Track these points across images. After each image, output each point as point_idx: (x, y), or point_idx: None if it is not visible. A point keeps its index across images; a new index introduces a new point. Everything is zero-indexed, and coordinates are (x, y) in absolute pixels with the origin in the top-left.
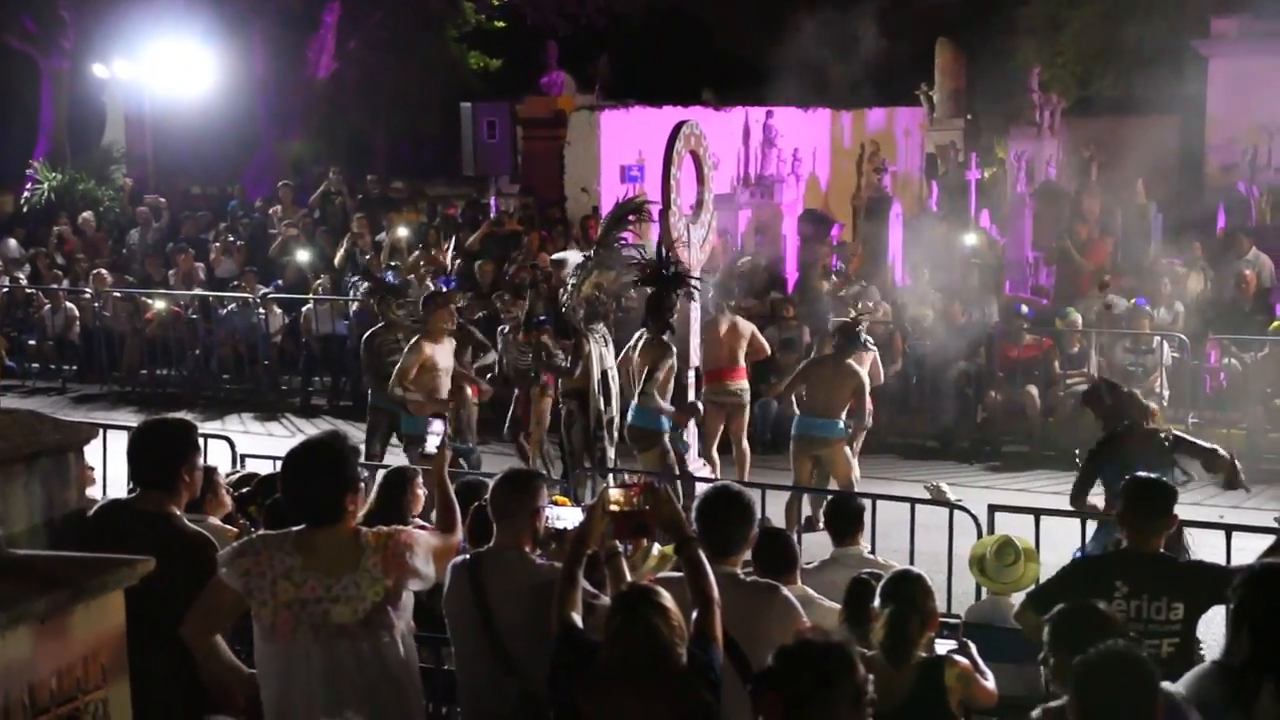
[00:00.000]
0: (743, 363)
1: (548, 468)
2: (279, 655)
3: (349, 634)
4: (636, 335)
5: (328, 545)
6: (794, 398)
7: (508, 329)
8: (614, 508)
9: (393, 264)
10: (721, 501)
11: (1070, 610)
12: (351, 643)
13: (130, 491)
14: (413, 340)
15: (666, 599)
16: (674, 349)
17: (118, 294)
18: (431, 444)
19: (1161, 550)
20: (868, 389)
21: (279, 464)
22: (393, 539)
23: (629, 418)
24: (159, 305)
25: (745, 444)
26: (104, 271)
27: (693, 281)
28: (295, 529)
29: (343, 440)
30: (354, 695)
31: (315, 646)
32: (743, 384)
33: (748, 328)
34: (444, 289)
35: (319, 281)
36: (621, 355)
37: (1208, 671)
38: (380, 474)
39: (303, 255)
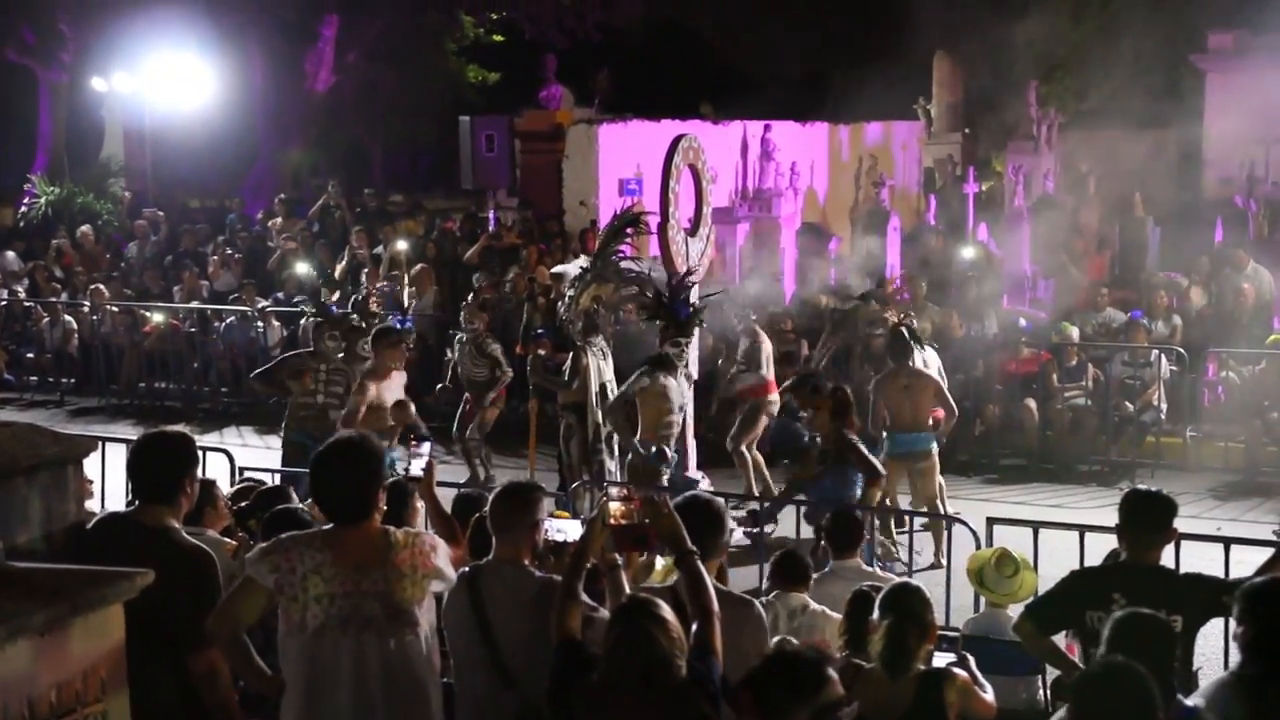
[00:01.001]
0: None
1: (488, 470)
2: (307, 649)
3: (376, 629)
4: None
5: (357, 542)
6: (877, 418)
7: (465, 339)
8: (613, 521)
9: (392, 273)
10: (692, 509)
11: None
12: (379, 638)
13: (129, 504)
14: (359, 382)
15: (666, 611)
16: (669, 389)
17: (115, 309)
18: (417, 466)
19: (1159, 562)
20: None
21: (276, 477)
22: (419, 537)
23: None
24: (157, 318)
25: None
26: (101, 287)
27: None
28: (323, 528)
29: (371, 439)
30: (379, 690)
31: (344, 640)
32: (773, 397)
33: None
34: (398, 327)
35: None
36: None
37: (1226, 682)
38: None
39: (301, 268)
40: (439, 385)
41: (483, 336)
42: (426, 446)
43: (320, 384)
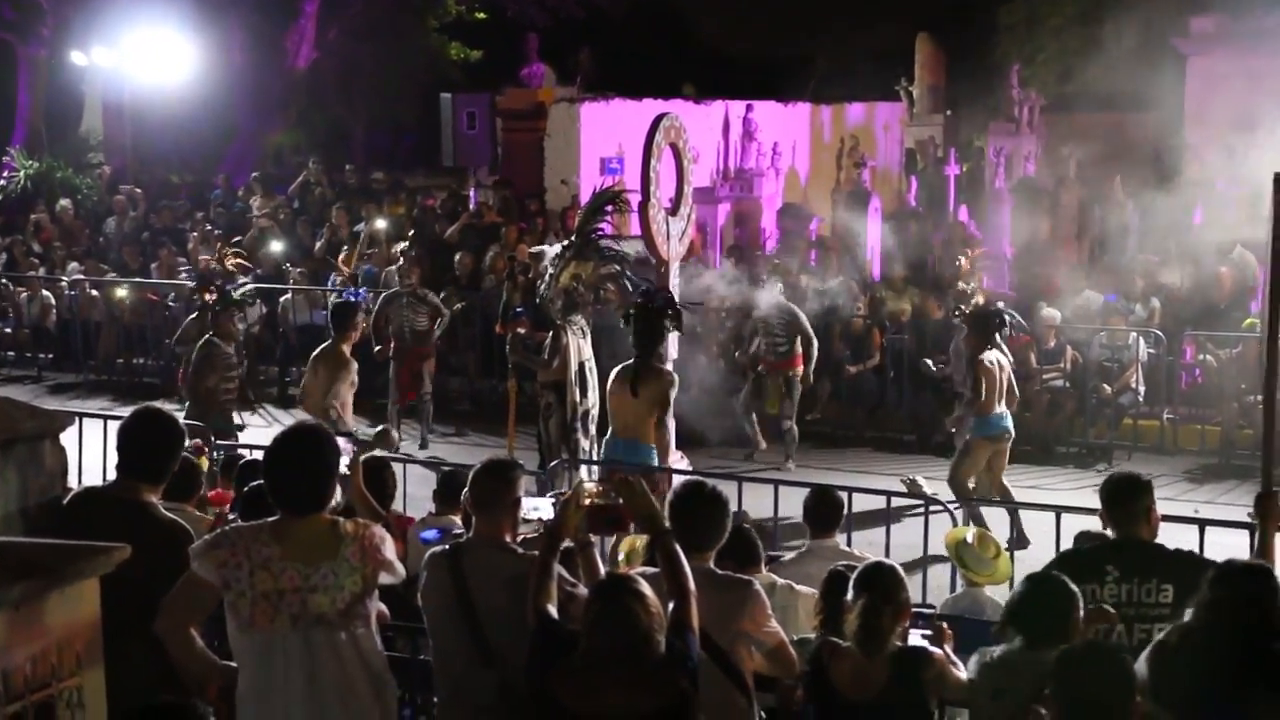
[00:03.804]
0: (799, 350)
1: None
2: (257, 645)
3: (327, 623)
4: (621, 368)
5: (305, 534)
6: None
7: (403, 296)
8: (588, 501)
9: (369, 251)
10: (696, 498)
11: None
12: (329, 632)
13: (107, 480)
14: (338, 355)
15: (645, 587)
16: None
17: (94, 291)
18: (341, 464)
19: (1148, 539)
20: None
21: (258, 453)
22: (368, 530)
23: (615, 453)
24: (120, 293)
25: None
26: (74, 264)
27: (681, 309)
28: (270, 519)
29: (326, 430)
30: (331, 685)
31: (293, 635)
32: (797, 370)
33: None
34: (351, 300)
35: (299, 270)
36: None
37: (1175, 634)
38: None
39: (276, 246)
40: (376, 348)
41: (418, 288)
42: (347, 444)
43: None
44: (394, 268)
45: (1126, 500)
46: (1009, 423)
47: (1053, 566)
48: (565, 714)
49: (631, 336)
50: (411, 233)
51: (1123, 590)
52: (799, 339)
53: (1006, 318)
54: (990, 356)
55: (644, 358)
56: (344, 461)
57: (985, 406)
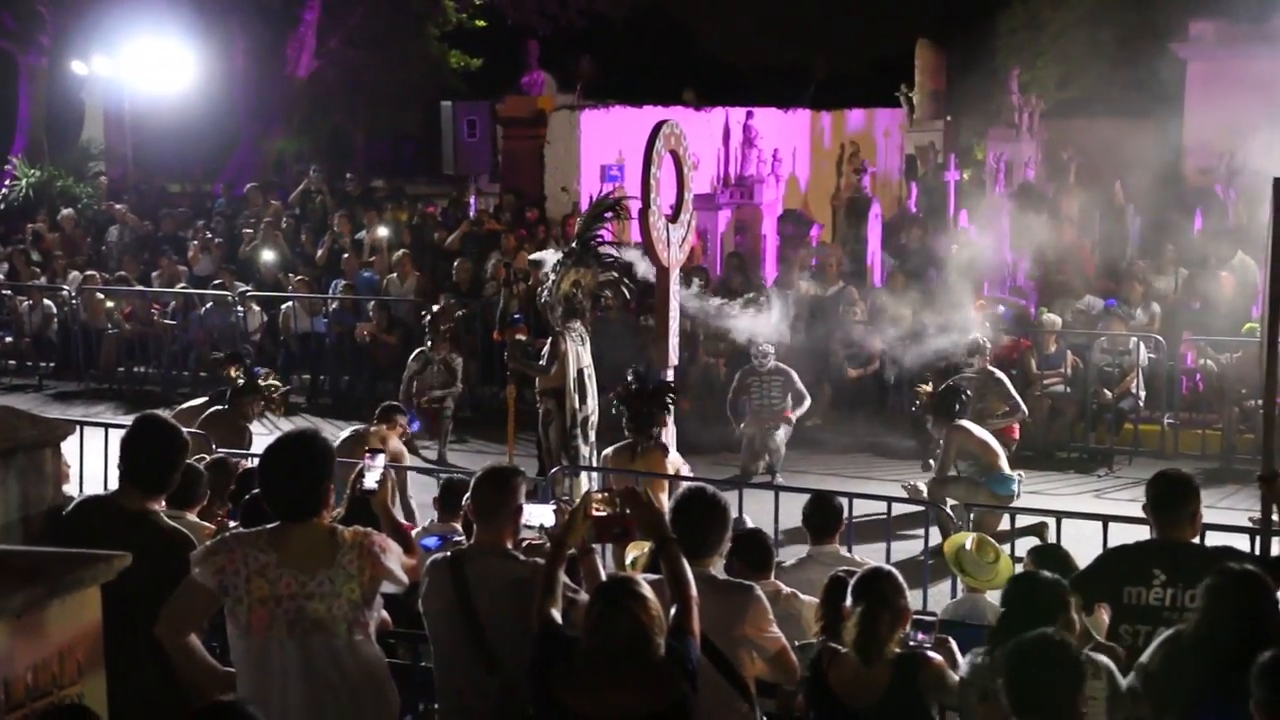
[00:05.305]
0: (790, 405)
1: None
2: (254, 652)
3: (323, 630)
4: (620, 446)
5: (303, 541)
6: None
7: (434, 363)
8: (594, 511)
9: (370, 259)
10: (697, 504)
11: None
12: (326, 639)
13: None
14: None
15: (646, 589)
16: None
17: (100, 295)
18: (371, 479)
19: (1192, 540)
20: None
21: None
22: (368, 538)
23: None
24: (109, 304)
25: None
26: (90, 272)
27: (670, 397)
28: (269, 526)
29: (321, 437)
30: (329, 692)
31: (290, 643)
32: (790, 420)
33: None
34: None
35: (299, 278)
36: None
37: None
38: None
39: (268, 255)
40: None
41: (449, 358)
42: (380, 459)
43: None
44: (394, 275)
45: (1177, 503)
46: (1016, 487)
47: (1100, 562)
48: (566, 715)
49: (625, 420)
50: (452, 301)
51: (1168, 594)
52: (791, 396)
53: (964, 395)
54: (964, 424)
55: (642, 440)
56: (373, 477)
57: (994, 465)
